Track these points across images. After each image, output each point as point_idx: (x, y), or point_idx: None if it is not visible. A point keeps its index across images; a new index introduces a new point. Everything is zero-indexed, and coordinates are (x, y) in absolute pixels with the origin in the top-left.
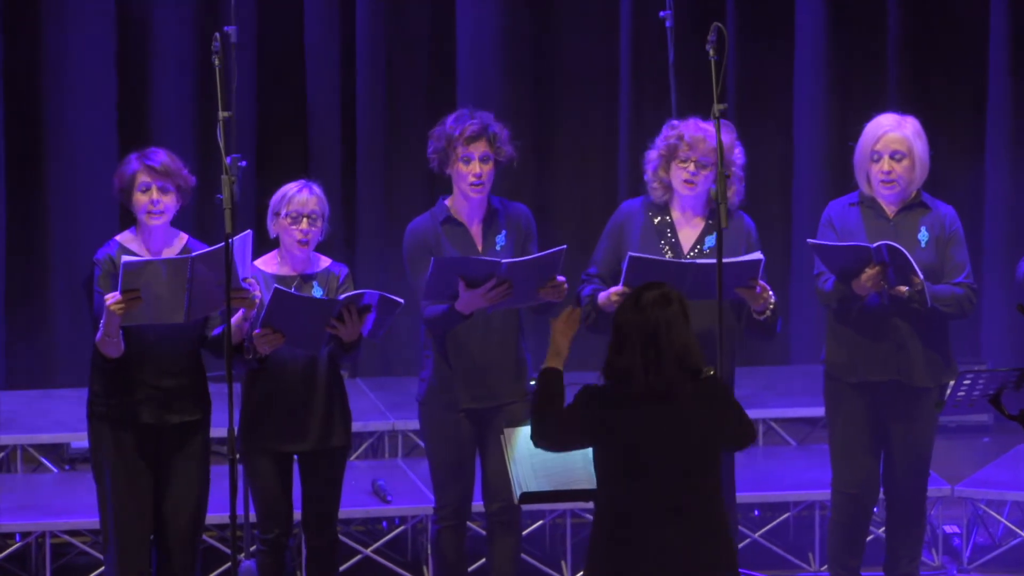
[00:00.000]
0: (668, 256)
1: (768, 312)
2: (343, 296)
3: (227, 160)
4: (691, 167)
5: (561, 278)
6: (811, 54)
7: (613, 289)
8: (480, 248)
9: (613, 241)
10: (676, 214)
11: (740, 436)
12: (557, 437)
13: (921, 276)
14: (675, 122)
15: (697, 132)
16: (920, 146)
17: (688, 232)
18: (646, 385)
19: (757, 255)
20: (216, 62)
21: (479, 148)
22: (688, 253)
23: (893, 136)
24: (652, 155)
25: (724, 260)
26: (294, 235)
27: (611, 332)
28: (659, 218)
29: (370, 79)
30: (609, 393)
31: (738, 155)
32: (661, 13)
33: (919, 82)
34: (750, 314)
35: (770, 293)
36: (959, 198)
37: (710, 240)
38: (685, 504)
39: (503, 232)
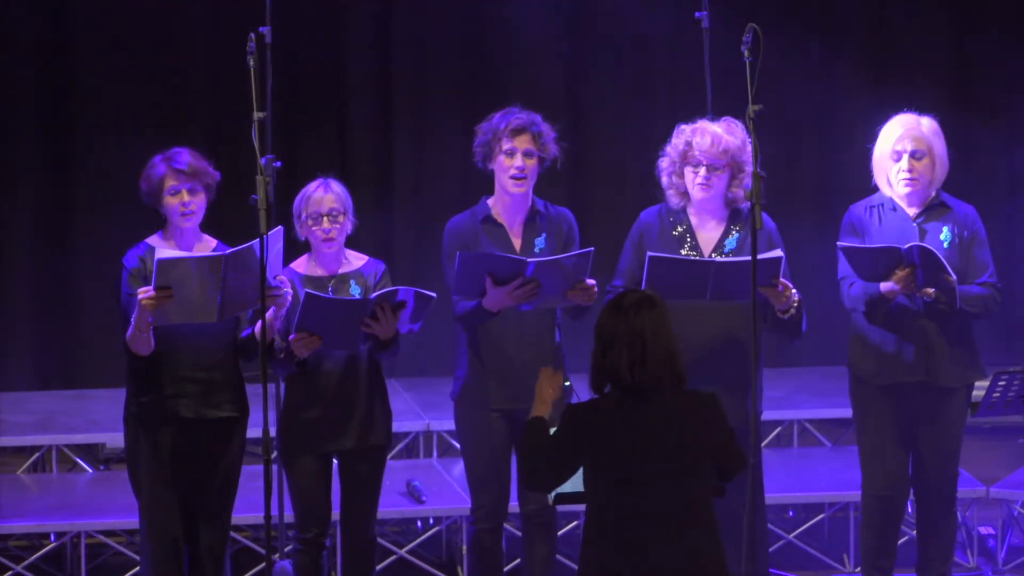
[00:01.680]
0: None
1: (792, 310)
2: (375, 295)
3: (262, 161)
4: (703, 171)
5: (591, 281)
6: (848, 52)
7: None
8: (518, 249)
9: (635, 251)
10: (694, 219)
11: (728, 462)
12: (548, 474)
13: (954, 276)
14: (683, 126)
15: (705, 135)
16: (939, 144)
17: (707, 236)
18: (632, 383)
19: (777, 252)
20: (251, 63)
21: (523, 142)
22: (709, 256)
23: (912, 135)
24: (664, 162)
25: (743, 259)
26: (317, 235)
27: (594, 338)
28: (677, 224)
29: (406, 80)
30: (595, 404)
31: (750, 153)
32: (697, 14)
33: (956, 81)
34: (774, 314)
35: (793, 291)
36: (993, 198)
37: (730, 242)
38: (675, 510)
39: (543, 235)
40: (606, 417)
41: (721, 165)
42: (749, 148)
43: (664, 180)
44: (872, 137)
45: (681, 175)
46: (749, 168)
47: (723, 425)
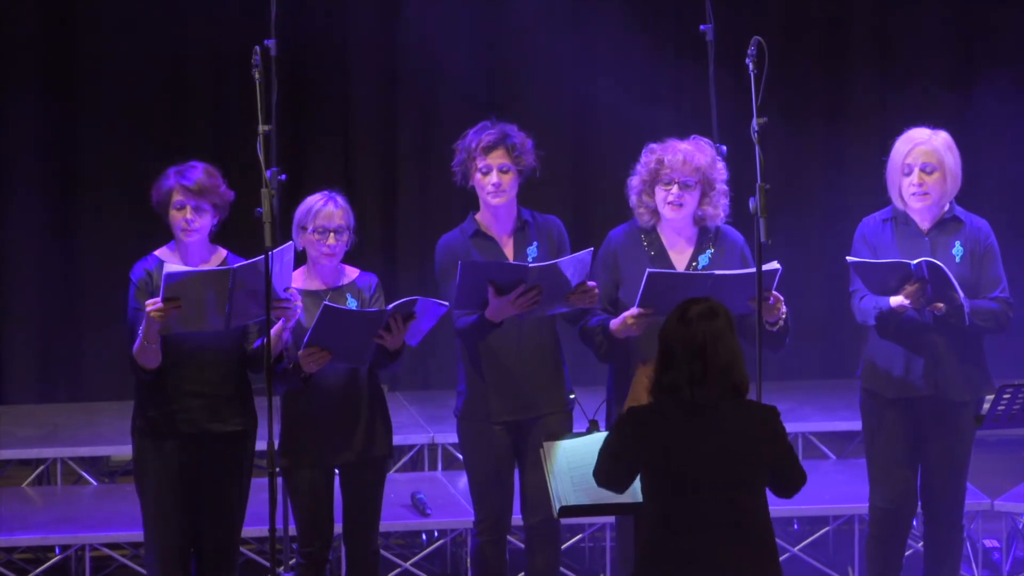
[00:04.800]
0: None
1: (780, 323)
2: (391, 306)
3: (267, 174)
4: (675, 189)
5: (592, 283)
6: (863, 65)
7: (628, 312)
8: (512, 259)
9: (608, 270)
10: (664, 238)
11: (788, 477)
12: (613, 475)
13: (961, 294)
14: (653, 146)
15: (677, 153)
16: (951, 159)
17: (678, 255)
18: (692, 399)
19: (775, 264)
20: (256, 76)
21: (497, 158)
22: None
23: (923, 149)
24: (634, 181)
25: (742, 272)
26: (321, 249)
27: (657, 348)
28: (649, 242)
29: (411, 92)
30: (654, 410)
31: (720, 171)
32: (702, 27)
33: (970, 98)
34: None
35: (782, 304)
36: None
37: (703, 259)
38: (731, 519)
39: (534, 243)
40: (664, 426)
41: (693, 183)
42: (719, 166)
43: (633, 199)
44: (882, 149)
45: (651, 194)
46: (719, 186)
47: (782, 438)
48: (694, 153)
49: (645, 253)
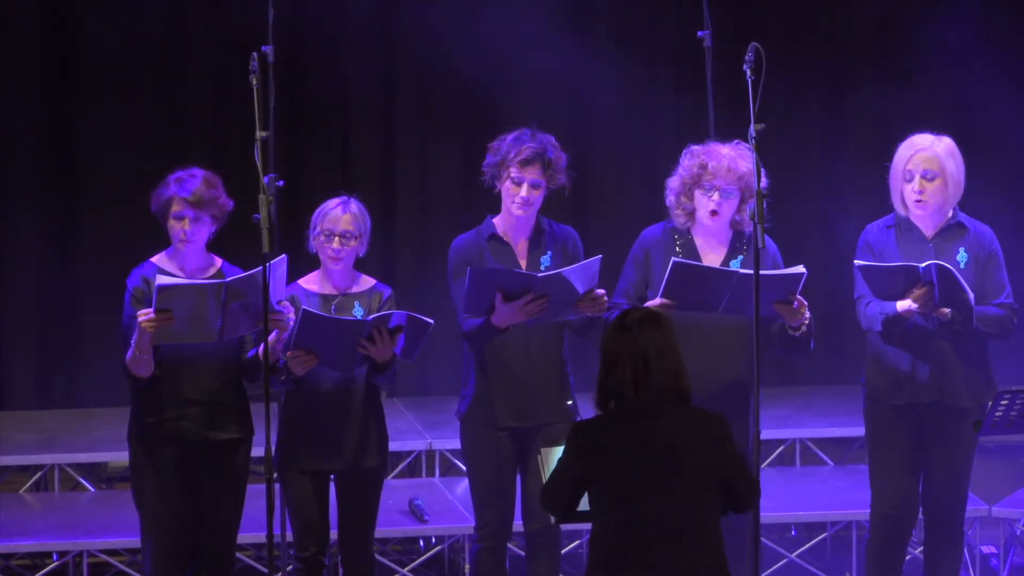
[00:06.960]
0: None
1: (803, 328)
2: (371, 317)
3: (264, 180)
4: (716, 196)
5: (600, 291)
6: (859, 71)
7: (651, 302)
8: (525, 266)
9: (640, 267)
10: (699, 239)
11: (740, 489)
12: (559, 493)
13: (971, 295)
14: (695, 148)
15: (721, 160)
16: (953, 165)
17: (712, 257)
18: (637, 401)
19: (800, 268)
20: (254, 82)
21: (531, 173)
22: None
23: (925, 155)
24: (674, 182)
25: (768, 272)
26: (327, 252)
27: (600, 356)
28: (682, 244)
29: (409, 98)
30: (599, 421)
31: (761, 179)
32: (699, 33)
33: (970, 99)
34: (782, 330)
35: (806, 308)
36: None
37: (734, 264)
38: (679, 529)
39: (549, 253)
40: (610, 434)
41: (734, 191)
42: (762, 171)
43: (671, 199)
44: (885, 155)
45: (690, 196)
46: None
47: (731, 448)
48: (737, 160)
49: (677, 253)
